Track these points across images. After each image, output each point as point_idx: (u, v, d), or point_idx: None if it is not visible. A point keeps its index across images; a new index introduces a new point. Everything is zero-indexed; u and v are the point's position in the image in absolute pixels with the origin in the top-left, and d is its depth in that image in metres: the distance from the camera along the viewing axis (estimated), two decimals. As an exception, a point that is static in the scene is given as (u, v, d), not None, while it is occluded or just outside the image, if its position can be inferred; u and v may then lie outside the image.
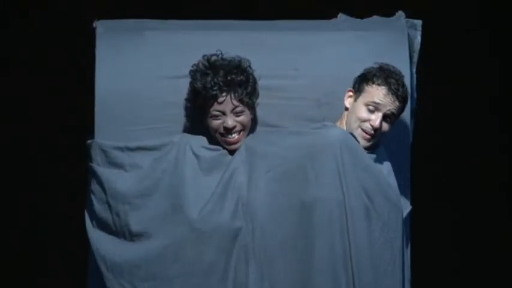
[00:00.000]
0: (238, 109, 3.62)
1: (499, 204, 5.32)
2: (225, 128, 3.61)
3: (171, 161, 3.61)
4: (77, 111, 4.61)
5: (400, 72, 3.66)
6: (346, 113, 3.71)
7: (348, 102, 3.71)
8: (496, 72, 5.24)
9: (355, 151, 3.58)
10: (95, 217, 3.68)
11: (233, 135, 3.63)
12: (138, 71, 3.75)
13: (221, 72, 3.59)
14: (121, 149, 3.68)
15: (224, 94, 3.59)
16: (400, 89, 3.62)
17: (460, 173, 5.27)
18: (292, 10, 4.71)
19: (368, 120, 3.62)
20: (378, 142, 3.67)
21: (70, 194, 4.87)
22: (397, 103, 3.62)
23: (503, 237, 5.31)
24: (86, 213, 3.72)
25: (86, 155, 3.75)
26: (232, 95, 3.59)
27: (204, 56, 3.65)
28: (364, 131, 3.62)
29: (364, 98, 3.64)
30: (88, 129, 3.75)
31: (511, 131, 5.27)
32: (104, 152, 3.68)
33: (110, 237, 3.63)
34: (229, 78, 3.59)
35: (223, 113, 3.61)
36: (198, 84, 3.60)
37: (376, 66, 3.67)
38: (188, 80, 3.68)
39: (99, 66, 3.74)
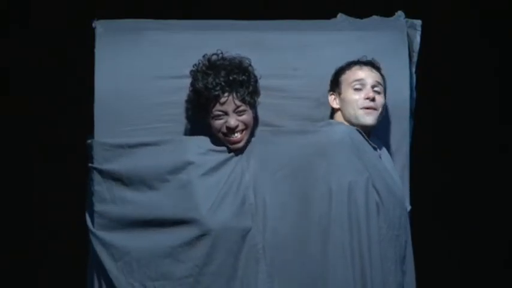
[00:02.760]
0: (240, 108, 3.62)
1: (500, 204, 5.32)
2: (228, 128, 3.62)
3: (178, 162, 3.62)
4: (77, 111, 4.61)
5: None
6: (337, 114, 3.74)
7: (335, 103, 3.75)
8: (495, 71, 5.23)
9: (362, 146, 3.59)
10: (96, 218, 3.67)
11: (236, 134, 3.64)
12: (138, 70, 3.75)
13: (222, 73, 3.60)
14: (121, 146, 3.68)
15: (226, 94, 3.60)
16: (368, 59, 3.71)
17: (460, 173, 5.27)
18: (292, 10, 4.70)
19: (361, 97, 3.66)
20: (379, 120, 3.70)
21: (70, 194, 4.87)
22: (374, 71, 3.70)
23: (504, 237, 5.31)
24: (86, 215, 3.72)
25: (85, 155, 3.75)
26: (234, 95, 3.60)
27: (204, 55, 3.66)
28: (365, 107, 3.66)
29: (346, 85, 3.70)
30: (88, 129, 3.75)
31: (511, 130, 5.27)
32: (105, 150, 3.68)
33: (115, 237, 3.63)
34: (230, 78, 3.60)
35: (226, 113, 3.61)
36: (200, 85, 3.60)
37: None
38: (187, 80, 3.69)
39: (99, 66, 3.74)
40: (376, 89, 3.68)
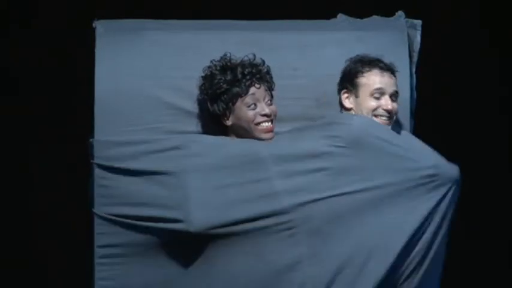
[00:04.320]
0: (267, 98, 3.68)
1: (501, 204, 5.32)
2: (264, 115, 3.65)
3: (181, 156, 3.61)
4: (77, 112, 4.61)
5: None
6: (347, 113, 3.73)
7: (347, 102, 3.72)
8: (495, 71, 5.24)
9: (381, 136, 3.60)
10: (97, 219, 3.67)
11: (269, 123, 3.66)
12: (138, 71, 3.75)
13: (248, 65, 3.65)
14: (123, 144, 3.68)
15: (258, 85, 3.65)
16: (388, 64, 3.69)
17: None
18: (292, 10, 4.71)
19: (379, 106, 3.66)
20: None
21: (70, 195, 4.88)
22: (393, 79, 3.69)
23: (505, 237, 5.31)
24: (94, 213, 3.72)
25: (86, 155, 3.75)
26: (264, 85, 3.66)
27: (212, 61, 3.69)
28: (380, 117, 3.66)
29: (365, 90, 3.68)
30: (88, 129, 3.75)
31: (511, 130, 5.27)
32: (107, 148, 3.68)
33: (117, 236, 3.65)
34: (255, 70, 3.66)
35: (257, 103, 3.65)
36: (228, 78, 3.63)
37: (350, 62, 3.73)
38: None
39: (99, 66, 3.74)
40: (392, 97, 3.68)
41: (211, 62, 3.69)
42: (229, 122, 3.68)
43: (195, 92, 3.75)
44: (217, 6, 4.94)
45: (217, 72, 3.66)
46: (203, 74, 3.70)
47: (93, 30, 3.81)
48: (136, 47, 3.80)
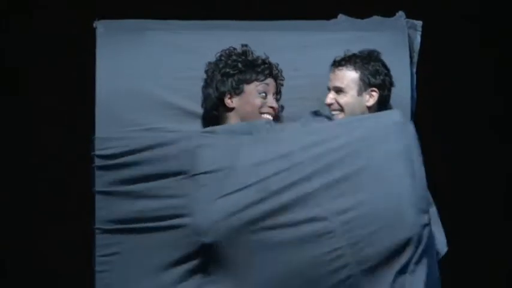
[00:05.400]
0: (275, 95, 3.73)
1: (499, 203, 5.33)
2: (271, 107, 3.69)
3: (184, 148, 3.60)
4: (77, 112, 4.62)
5: (372, 52, 3.72)
6: None
7: None
8: (496, 71, 5.24)
9: None
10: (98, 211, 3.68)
11: (271, 117, 3.70)
12: (138, 70, 3.76)
13: (267, 59, 3.72)
14: (123, 139, 3.68)
15: (273, 78, 3.71)
16: (343, 58, 3.69)
17: (460, 173, 5.28)
18: (292, 10, 4.71)
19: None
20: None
21: (70, 195, 4.88)
22: (337, 72, 3.69)
23: (500, 235, 5.32)
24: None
25: (86, 155, 3.75)
26: (278, 80, 3.73)
27: (231, 46, 3.74)
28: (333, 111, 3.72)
29: None
30: (88, 129, 3.76)
31: (511, 130, 5.28)
32: (108, 143, 3.68)
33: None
34: (275, 64, 3.73)
35: (268, 94, 3.69)
36: (249, 58, 3.68)
37: None
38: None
39: (100, 66, 3.75)
40: (339, 92, 3.69)
41: (230, 47, 3.73)
42: (233, 104, 3.69)
43: (195, 92, 3.76)
44: (218, 7, 4.94)
45: (236, 54, 3.70)
46: (219, 53, 3.72)
47: (94, 30, 3.82)
48: (137, 47, 3.81)
